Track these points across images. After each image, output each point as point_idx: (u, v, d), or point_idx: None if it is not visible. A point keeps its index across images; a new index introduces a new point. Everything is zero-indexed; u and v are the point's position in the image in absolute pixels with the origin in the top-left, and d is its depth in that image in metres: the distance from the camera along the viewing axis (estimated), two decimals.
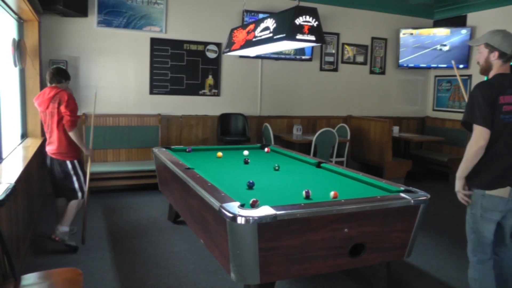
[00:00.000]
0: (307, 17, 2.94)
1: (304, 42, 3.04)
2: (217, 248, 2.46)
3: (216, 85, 6.10)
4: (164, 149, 4.21)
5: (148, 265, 3.24)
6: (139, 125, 5.64)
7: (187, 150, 4.27)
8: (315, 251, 2.29)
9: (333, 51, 6.80)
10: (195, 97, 5.99)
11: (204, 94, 6.04)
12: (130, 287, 2.90)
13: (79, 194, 3.57)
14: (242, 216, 2.07)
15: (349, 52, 6.95)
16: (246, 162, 3.75)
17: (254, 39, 3.44)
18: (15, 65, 4.05)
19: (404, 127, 7.46)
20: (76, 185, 3.55)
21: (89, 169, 3.73)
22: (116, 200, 4.98)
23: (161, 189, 4.26)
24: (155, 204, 4.90)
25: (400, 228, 2.53)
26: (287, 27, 2.92)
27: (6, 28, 3.78)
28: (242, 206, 2.20)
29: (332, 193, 2.54)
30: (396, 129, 6.84)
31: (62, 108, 3.36)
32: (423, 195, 2.56)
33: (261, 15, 5.97)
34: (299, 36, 2.92)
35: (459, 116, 6.95)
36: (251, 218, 2.06)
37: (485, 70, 2.47)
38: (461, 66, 6.77)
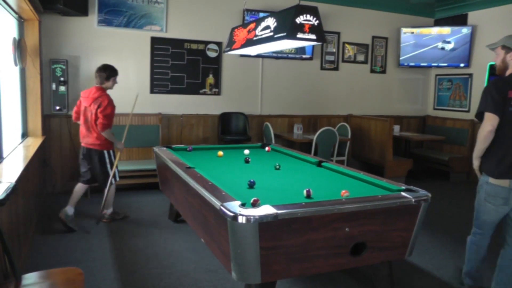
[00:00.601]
0: (308, 16, 2.94)
1: (305, 41, 3.04)
2: (218, 247, 2.46)
3: (217, 84, 6.09)
4: (164, 148, 4.21)
5: (149, 265, 3.24)
6: (140, 124, 5.64)
7: (188, 149, 4.27)
8: (316, 250, 2.28)
9: (334, 50, 6.80)
10: (195, 96, 5.99)
11: (204, 93, 6.04)
12: (131, 286, 2.90)
13: (113, 179, 4.13)
14: (243, 215, 2.06)
15: (349, 51, 6.94)
16: (246, 161, 3.74)
17: (254, 38, 3.44)
18: (16, 65, 4.05)
19: (405, 126, 7.45)
20: (111, 171, 4.10)
21: (117, 159, 4.19)
22: (116, 199, 4.95)
23: (161, 188, 4.26)
24: (156, 203, 4.90)
25: (401, 227, 2.53)
26: (287, 26, 2.91)
27: (6, 27, 3.78)
28: (243, 205, 2.20)
29: (343, 193, 2.51)
30: (396, 128, 6.83)
31: (100, 111, 3.90)
32: (424, 194, 2.56)
33: (261, 14, 5.96)
34: (299, 35, 2.92)
35: (460, 115, 6.95)
36: (252, 217, 2.05)
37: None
38: (462, 65, 6.77)
